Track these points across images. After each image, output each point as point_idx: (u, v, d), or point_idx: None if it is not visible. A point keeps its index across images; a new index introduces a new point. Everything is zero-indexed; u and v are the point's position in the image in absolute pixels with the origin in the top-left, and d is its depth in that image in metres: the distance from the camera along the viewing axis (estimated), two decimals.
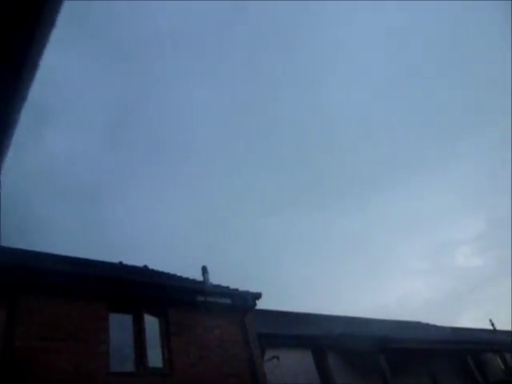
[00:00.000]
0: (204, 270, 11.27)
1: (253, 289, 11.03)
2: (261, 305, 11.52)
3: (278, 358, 11.38)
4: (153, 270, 12.18)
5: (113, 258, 12.48)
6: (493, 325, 22.57)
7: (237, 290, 10.88)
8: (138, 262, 12.88)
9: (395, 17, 46.45)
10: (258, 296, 10.98)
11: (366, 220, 51.20)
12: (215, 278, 11.28)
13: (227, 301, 10.56)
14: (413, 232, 54.39)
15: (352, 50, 47.19)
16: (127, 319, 9.15)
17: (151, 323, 9.39)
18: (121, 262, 12.24)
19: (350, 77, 48.03)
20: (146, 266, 12.66)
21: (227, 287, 10.91)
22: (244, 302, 10.76)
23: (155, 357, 9.09)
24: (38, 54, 2.56)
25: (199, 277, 11.27)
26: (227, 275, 13.03)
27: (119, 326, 8.99)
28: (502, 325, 22.95)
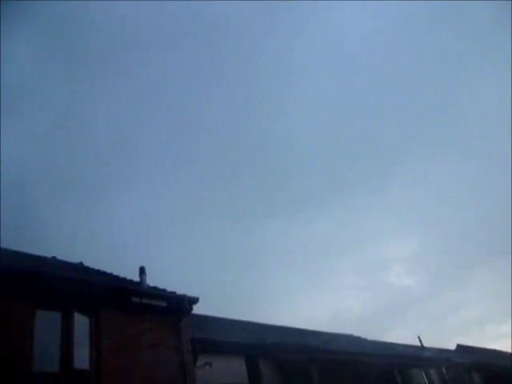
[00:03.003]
0: (141, 270, 11.02)
1: (191, 293, 10.91)
2: (198, 309, 11.41)
3: (210, 364, 11.26)
4: (87, 268, 11.77)
5: (51, 253, 11.97)
6: (421, 342, 23.55)
7: (174, 293, 10.70)
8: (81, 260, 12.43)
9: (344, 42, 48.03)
10: (195, 301, 10.86)
11: (307, 235, 52.24)
12: (154, 281, 11.07)
13: (163, 304, 10.37)
14: (350, 249, 56.12)
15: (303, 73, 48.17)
16: (56, 317, 8.75)
17: (81, 322, 9.04)
18: (54, 257, 11.75)
19: (301, 98, 49.10)
20: (81, 263, 12.22)
21: (164, 290, 10.70)
22: (180, 306, 10.61)
23: (83, 358, 8.75)
24: None
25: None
26: (167, 278, 12.82)
27: (47, 323, 8.59)
28: (430, 342, 23.99)
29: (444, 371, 19.31)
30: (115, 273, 11.38)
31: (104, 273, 11.40)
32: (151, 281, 11.02)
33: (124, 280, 10.98)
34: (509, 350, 27.74)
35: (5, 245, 10.46)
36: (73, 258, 12.40)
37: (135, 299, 9.83)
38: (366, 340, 21.06)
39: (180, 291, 10.81)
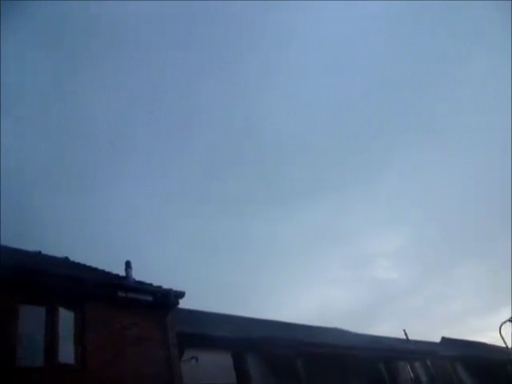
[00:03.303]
0: (127, 264, 10.98)
1: (177, 287, 10.89)
2: (185, 304, 11.40)
3: (196, 358, 11.27)
4: (73, 262, 11.70)
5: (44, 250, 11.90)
6: (406, 335, 23.80)
7: (160, 287, 10.67)
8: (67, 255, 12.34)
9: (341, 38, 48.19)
10: (181, 295, 10.84)
11: (292, 229, 52.62)
12: (140, 275, 11.03)
13: (149, 298, 10.34)
14: (336, 242, 56.55)
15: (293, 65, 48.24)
16: (40, 312, 8.68)
17: (66, 317, 8.98)
18: (39, 252, 11.65)
19: (291, 94, 49.26)
20: (66, 258, 12.15)
21: (150, 284, 10.68)
22: (166, 300, 10.59)
23: (68, 353, 8.70)
24: None
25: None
26: (153, 273, 12.79)
27: (31, 318, 8.52)
28: (415, 335, 24.25)
29: (429, 364, 19.56)
30: (101, 267, 11.33)
31: (89, 267, 11.33)
32: (137, 275, 11.01)
33: (109, 274, 10.93)
34: (492, 342, 28.19)
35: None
36: (60, 252, 12.34)
37: (121, 293, 9.79)
38: (351, 333, 21.24)
39: (166, 286, 10.81)
